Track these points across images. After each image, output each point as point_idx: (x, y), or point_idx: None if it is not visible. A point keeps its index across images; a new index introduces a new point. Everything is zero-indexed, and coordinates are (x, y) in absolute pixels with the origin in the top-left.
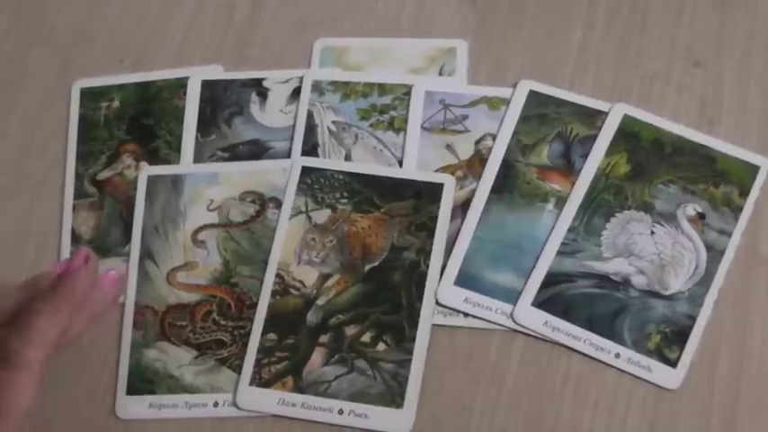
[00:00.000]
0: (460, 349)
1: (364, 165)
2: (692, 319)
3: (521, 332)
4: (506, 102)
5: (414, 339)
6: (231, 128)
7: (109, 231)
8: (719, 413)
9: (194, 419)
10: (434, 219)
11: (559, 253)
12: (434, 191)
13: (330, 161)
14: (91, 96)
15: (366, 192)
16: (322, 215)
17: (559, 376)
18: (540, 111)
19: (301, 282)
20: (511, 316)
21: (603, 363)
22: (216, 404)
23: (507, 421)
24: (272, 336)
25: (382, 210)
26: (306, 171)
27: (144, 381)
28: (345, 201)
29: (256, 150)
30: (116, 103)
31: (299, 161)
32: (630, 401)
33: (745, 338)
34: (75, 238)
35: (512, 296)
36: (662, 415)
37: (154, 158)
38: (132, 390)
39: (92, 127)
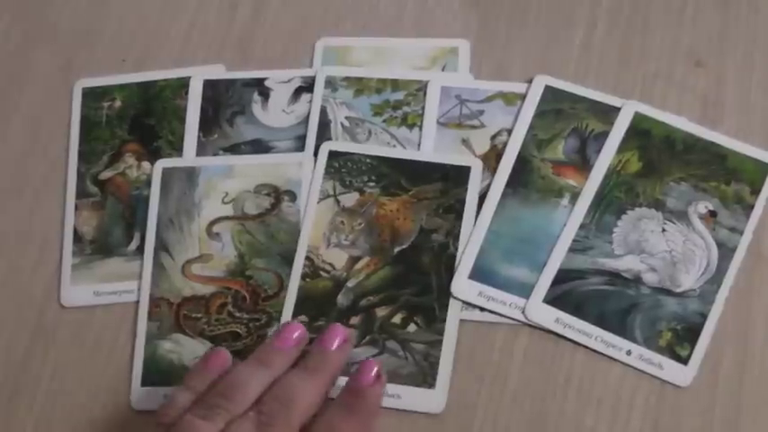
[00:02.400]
0: (464, 346)
1: (391, 149)
2: (704, 316)
3: (524, 330)
4: (522, 97)
5: (444, 320)
6: (233, 127)
7: (111, 231)
8: (723, 412)
9: None
10: (462, 201)
11: (571, 250)
12: (462, 174)
13: (357, 145)
14: (93, 96)
15: (393, 175)
16: (350, 198)
17: (563, 374)
18: (555, 106)
19: (331, 264)
20: (523, 312)
21: (615, 360)
22: None
23: (510, 419)
24: (302, 318)
25: (410, 193)
26: (333, 155)
27: (159, 372)
28: (373, 184)
29: (259, 150)
30: (118, 103)
31: (326, 145)
32: (634, 400)
33: (748, 338)
34: (78, 238)
35: (526, 290)
36: (665, 413)
37: (156, 158)
38: (147, 381)
39: (93, 127)
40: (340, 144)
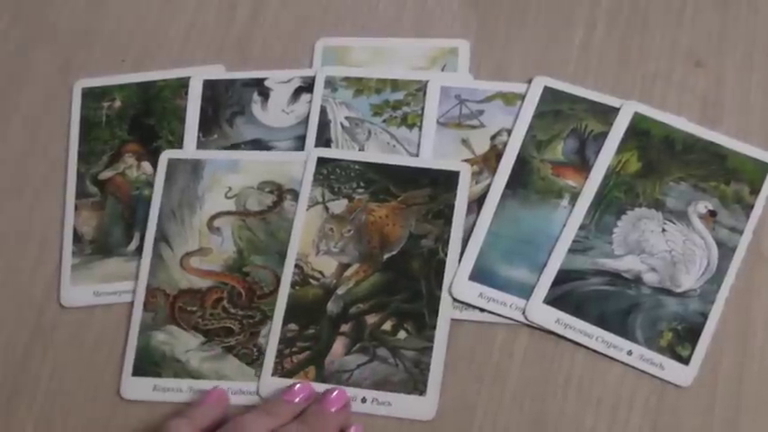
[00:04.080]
0: (463, 347)
1: (379, 154)
2: (704, 316)
3: (524, 330)
4: (522, 97)
5: (434, 327)
6: (233, 128)
7: (111, 231)
8: (722, 412)
9: None
10: (451, 207)
11: (571, 250)
12: (450, 179)
13: (345, 151)
14: (92, 96)
15: (382, 181)
16: (339, 205)
17: (563, 375)
18: (554, 107)
19: (320, 272)
20: (524, 312)
21: (615, 360)
22: None
23: (510, 420)
24: (292, 326)
25: (399, 199)
26: (321, 162)
27: (150, 363)
28: (362, 190)
29: (258, 150)
30: (117, 103)
31: (314, 152)
32: (633, 400)
33: (749, 337)
34: (77, 239)
35: (526, 291)
36: (665, 413)
37: (155, 158)
38: (138, 371)
39: (93, 127)
40: (328, 151)
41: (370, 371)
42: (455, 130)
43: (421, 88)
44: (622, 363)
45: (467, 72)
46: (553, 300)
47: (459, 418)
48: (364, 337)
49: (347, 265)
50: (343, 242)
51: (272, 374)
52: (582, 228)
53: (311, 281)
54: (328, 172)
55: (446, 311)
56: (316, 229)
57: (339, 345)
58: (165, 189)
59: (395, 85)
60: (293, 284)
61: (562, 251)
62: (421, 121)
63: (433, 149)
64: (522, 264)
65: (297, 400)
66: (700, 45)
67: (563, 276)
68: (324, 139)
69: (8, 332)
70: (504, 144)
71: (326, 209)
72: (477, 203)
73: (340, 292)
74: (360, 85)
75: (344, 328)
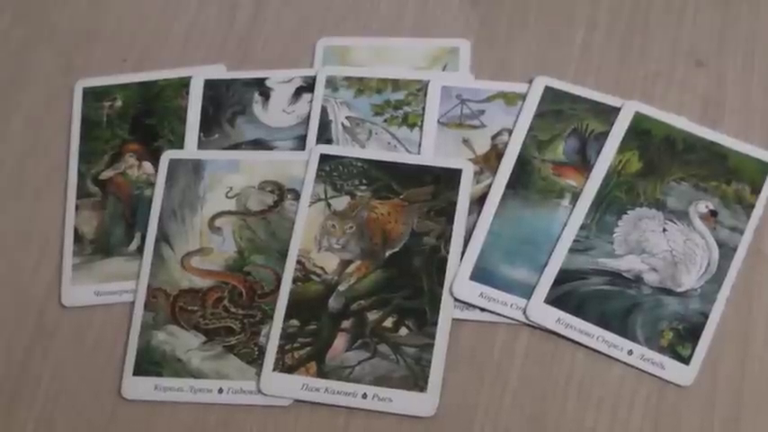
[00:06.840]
0: (464, 347)
1: (382, 152)
2: (705, 316)
3: (525, 330)
4: (522, 97)
5: (435, 324)
6: (234, 127)
7: (112, 231)
8: (723, 412)
9: (199, 404)
10: (453, 204)
11: (572, 250)
12: (453, 177)
13: (348, 149)
14: (93, 96)
15: (384, 178)
16: (341, 202)
17: (563, 374)
18: (555, 107)
19: (322, 268)
20: (524, 312)
21: (616, 360)
22: (221, 390)
23: (511, 419)
24: (294, 322)
25: (401, 196)
26: (324, 159)
27: (151, 362)
28: (364, 187)
29: (259, 150)
30: (119, 103)
31: (317, 149)
32: (634, 400)
33: (749, 337)
34: (78, 238)
35: (527, 291)
36: (666, 413)
37: (156, 158)
38: (139, 371)
39: (94, 127)
40: (331, 147)
41: (370, 367)
42: (456, 130)
43: (422, 88)
44: (623, 362)
45: (468, 72)
46: (554, 299)
47: (460, 416)
48: (365, 334)
49: (349, 262)
50: (345, 239)
51: (273, 369)
52: (583, 227)
53: (313, 277)
54: (331, 169)
55: (447, 308)
56: (318, 225)
57: (340, 341)
58: (165, 189)
59: (396, 84)
60: (295, 280)
61: (563, 251)
62: (422, 121)
63: (433, 149)
64: (523, 263)
65: None
66: (701, 45)
67: (564, 276)
68: (325, 139)
69: (9, 332)
70: (505, 144)
71: (329, 205)
72: (477, 203)
73: (341, 288)
74: (361, 85)
75: (346, 324)
